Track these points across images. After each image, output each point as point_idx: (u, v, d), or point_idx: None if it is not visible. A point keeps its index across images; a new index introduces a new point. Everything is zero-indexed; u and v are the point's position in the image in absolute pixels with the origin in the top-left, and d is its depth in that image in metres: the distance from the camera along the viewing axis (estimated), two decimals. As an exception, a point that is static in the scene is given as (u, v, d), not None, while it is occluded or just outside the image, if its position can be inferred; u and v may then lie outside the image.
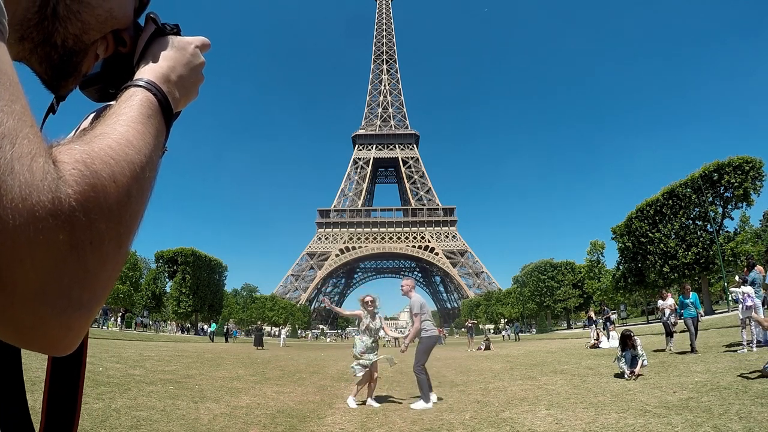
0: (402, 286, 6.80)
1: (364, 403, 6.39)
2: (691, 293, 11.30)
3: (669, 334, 11.91)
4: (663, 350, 11.62)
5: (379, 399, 6.92)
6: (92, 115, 0.56)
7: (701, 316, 11.68)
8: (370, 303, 6.78)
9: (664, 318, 12.21)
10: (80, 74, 0.53)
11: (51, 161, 0.30)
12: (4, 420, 0.46)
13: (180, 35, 0.58)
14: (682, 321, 11.43)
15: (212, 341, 32.99)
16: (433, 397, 6.14)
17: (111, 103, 0.53)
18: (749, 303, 9.52)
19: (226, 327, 41.50)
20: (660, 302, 12.96)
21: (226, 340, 35.43)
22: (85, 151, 0.33)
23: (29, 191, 0.28)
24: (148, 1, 0.59)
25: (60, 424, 0.49)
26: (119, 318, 38.30)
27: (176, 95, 0.51)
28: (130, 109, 0.43)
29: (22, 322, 0.29)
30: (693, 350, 10.23)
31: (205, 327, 48.85)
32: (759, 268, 10.40)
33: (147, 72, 0.50)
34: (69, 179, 0.31)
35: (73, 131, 0.55)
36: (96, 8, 0.49)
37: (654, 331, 22.04)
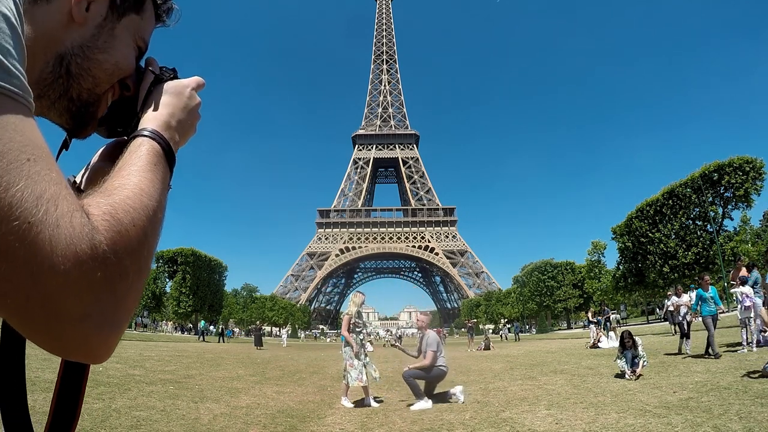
0: (417, 320, 6.91)
1: (360, 402, 6.37)
2: (710, 287, 9.82)
3: (686, 335, 10.68)
4: (678, 353, 10.37)
5: (379, 399, 6.93)
6: (102, 150, 0.68)
7: (721, 312, 9.99)
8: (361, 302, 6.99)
9: (679, 317, 11.18)
10: (97, 120, 0.61)
11: (85, 214, 0.39)
12: (6, 419, 0.52)
13: (177, 78, 0.64)
14: (696, 319, 10.18)
15: (203, 340, 32.57)
16: (428, 403, 6.06)
17: (120, 139, 0.66)
18: (748, 303, 9.53)
19: (220, 327, 40.88)
20: (674, 299, 11.87)
21: (219, 340, 34.14)
22: (110, 203, 0.42)
23: (73, 241, 0.36)
24: (146, 48, 0.65)
25: (63, 423, 0.55)
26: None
27: (176, 139, 0.59)
28: (139, 159, 0.51)
29: (71, 339, 0.38)
30: (712, 353, 8.96)
31: (210, 327, 48.12)
32: (743, 269, 10.31)
33: (150, 121, 0.58)
34: (100, 228, 0.39)
35: (85, 167, 0.67)
36: (104, 63, 0.58)
37: (654, 330, 22.03)
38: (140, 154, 0.52)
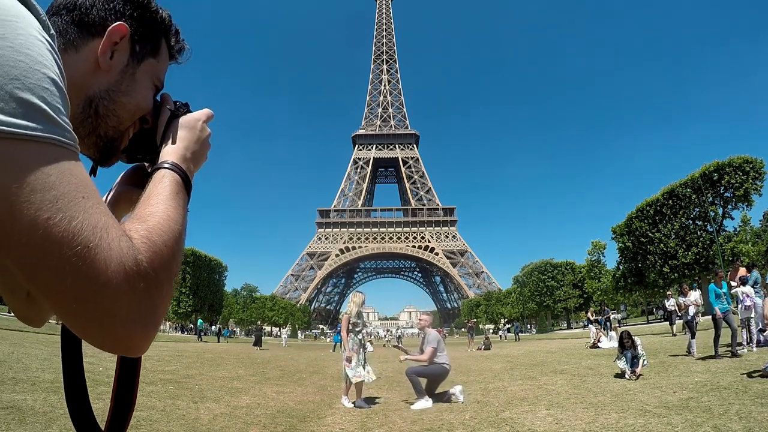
0: (420, 320, 6.96)
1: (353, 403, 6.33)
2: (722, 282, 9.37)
3: (694, 335, 10.30)
4: (688, 354, 9.94)
5: (379, 399, 6.93)
6: (123, 174, 0.80)
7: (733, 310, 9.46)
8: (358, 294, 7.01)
9: (688, 316, 10.68)
10: (120, 152, 0.72)
11: (128, 238, 0.49)
12: (74, 415, 0.67)
13: (190, 111, 0.75)
14: (707, 318, 9.62)
15: (201, 340, 32.54)
16: (429, 402, 6.08)
17: (139, 164, 0.77)
18: (748, 303, 9.53)
19: (218, 326, 40.72)
20: (680, 299, 11.25)
21: (218, 340, 34.34)
22: (146, 228, 0.53)
23: (122, 260, 0.46)
24: (162, 86, 0.75)
25: (122, 411, 0.70)
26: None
27: (192, 168, 0.70)
28: (164, 189, 0.61)
29: (120, 337, 0.49)
30: (736, 353, 8.62)
31: (212, 327, 48.03)
32: (742, 269, 10.28)
33: (169, 154, 0.68)
34: (141, 249, 0.50)
35: (111, 189, 0.79)
36: (127, 105, 0.67)
37: (654, 330, 22.01)
38: (164, 184, 0.62)
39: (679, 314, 12.35)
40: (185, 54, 0.79)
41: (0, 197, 0.41)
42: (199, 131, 0.72)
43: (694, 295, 10.96)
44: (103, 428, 0.69)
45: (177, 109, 0.73)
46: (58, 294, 0.44)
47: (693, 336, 10.17)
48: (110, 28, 0.64)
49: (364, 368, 6.51)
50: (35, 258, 0.43)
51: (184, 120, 0.72)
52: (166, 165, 0.65)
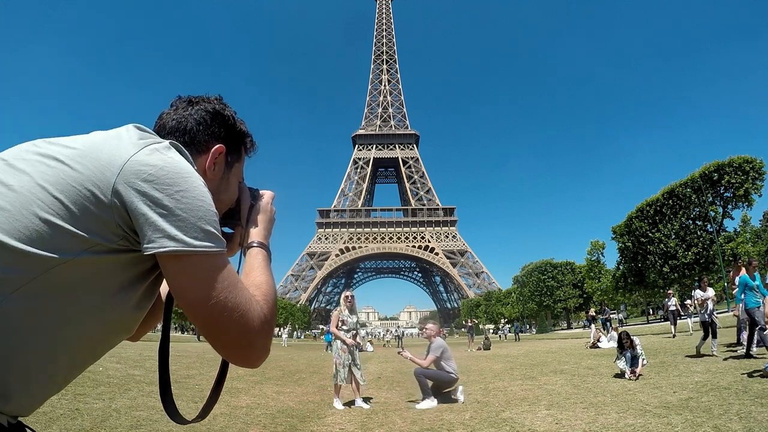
0: (426, 329, 6.97)
1: (352, 403, 6.33)
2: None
3: (714, 334, 9.60)
4: (710, 355, 9.20)
5: (380, 399, 6.93)
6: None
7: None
8: (350, 298, 6.99)
9: (705, 314, 9.85)
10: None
11: (257, 301, 0.80)
12: (166, 405, 0.93)
13: (259, 193, 1.05)
14: (732, 312, 8.69)
15: (199, 340, 32.50)
16: (434, 402, 6.10)
17: (226, 230, 1.03)
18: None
19: None
20: (698, 294, 10.31)
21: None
22: (261, 293, 0.83)
23: (259, 316, 0.78)
24: (243, 179, 1.06)
25: (214, 397, 1.02)
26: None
27: (268, 239, 1.00)
28: (260, 263, 0.92)
29: (255, 358, 0.79)
30: (749, 353, 8.16)
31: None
32: (743, 269, 10.17)
33: (256, 235, 0.97)
34: (264, 307, 0.80)
35: None
36: (224, 201, 0.98)
37: (654, 330, 21.99)
38: (259, 259, 0.93)
39: (696, 311, 10.71)
40: (255, 150, 1.08)
41: (202, 287, 0.73)
42: (270, 213, 1.04)
43: (712, 291, 10.20)
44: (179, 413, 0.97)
45: (254, 198, 1.04)
46: (225, 337, 0.76)
47: (714, 335, 9.52)
48: (213, 149, 0.93)
49: (351, 368, 6.47)
50: (218, 319, 0.74)
51: (259, 206, 1.02)
52: (255, 244, 0.95)
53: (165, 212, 0.71)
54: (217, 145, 0.93)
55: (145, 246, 0.71)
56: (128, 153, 0.72)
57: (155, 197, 0.71)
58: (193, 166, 0.80)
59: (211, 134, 0.93)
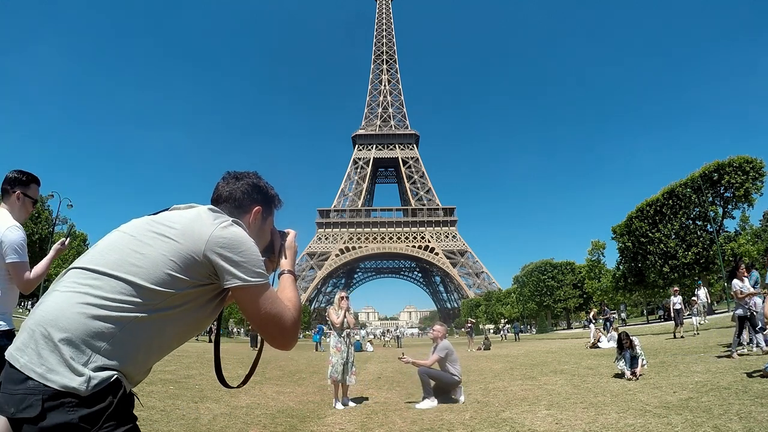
0: (433, 330, 6.97)
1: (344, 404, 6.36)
2: None
3: (762, 328, 8.47)
4: (734, 355, 8.40)
5: (380, 399, 6.93)
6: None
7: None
8: (345, 298, 7.06)
9: (746, 307, 8.57)
10: None
11: (289, 309, 1.30)
12: (219, 375, 1.43)
13: (284, 232, 1.55)
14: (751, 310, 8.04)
15: (197, 339, 32.49)
16: (434, 402, 6.10)
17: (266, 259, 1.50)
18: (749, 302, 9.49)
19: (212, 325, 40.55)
20: (737, 284, 8.60)
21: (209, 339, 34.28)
22: (292, 304, 1.33)
23: (291, 317, 1.30)
24: (274, 226, 1.57)
25: (252, 371, 1.46)
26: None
27: (294, 266, 1.51)
28: (289, 284, 1.42)
29: (288, 344, 1.32)
30: None
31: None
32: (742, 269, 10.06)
33: (286, 265, 1.48)
34: (294, 312, 1.32)
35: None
36: (262, 240, 1.48)
37: (654, 330, 21.97)
38: (289, 282, 1.42)
39: (744, 305, 8.67)
40: (282, 205, 1.54)
41: (256, 304, 1.23)
42: (294, 248, 1.52)
43: (749, 283, 8.86)
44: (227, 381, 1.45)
45: (282, 237, 1.52)
46: (270, 332, 1.26)
47: (764, 329, 8.45)
48: (254, 210, 1.42)
49: (344, 366, 6.57)
50: (266, 322, 1.25)
51: (286, 243, 1.51)
52: (286, 272, 1.45)
53: (235, 263, 1.20)
54: (256, 207, 1.43)
55: (224, 283, 1.22)
56: (210, 230, 1.20)
57: (228, 256, 1.20)
58: (242, 226, 1.28)
59: (252, 200, 1.42)
